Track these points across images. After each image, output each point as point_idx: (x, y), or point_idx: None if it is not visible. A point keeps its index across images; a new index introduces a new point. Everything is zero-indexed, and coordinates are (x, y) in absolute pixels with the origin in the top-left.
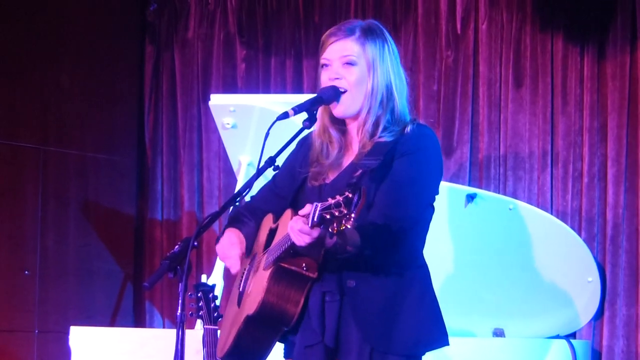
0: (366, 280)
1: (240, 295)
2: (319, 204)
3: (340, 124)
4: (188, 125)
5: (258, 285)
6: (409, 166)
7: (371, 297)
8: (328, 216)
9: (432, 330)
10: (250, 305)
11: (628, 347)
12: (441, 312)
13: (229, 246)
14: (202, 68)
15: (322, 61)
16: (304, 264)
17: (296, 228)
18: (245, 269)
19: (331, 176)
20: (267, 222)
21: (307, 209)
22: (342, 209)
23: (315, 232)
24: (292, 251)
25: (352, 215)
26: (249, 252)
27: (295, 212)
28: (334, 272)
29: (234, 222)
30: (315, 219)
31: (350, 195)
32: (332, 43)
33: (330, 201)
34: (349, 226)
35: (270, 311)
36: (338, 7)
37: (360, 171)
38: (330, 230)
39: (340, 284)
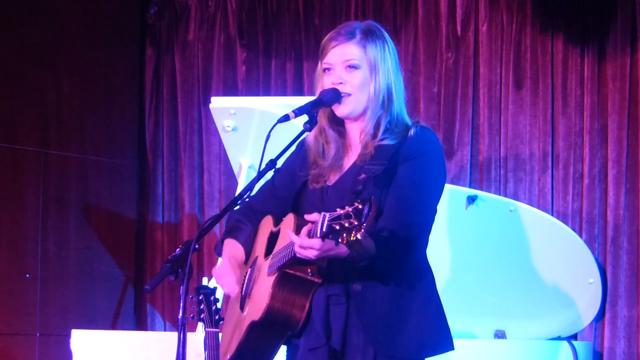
0: (372, 284)
1: (243, 299)
2: (327, 214)
3: (339, 125)
4: (189, 127)
5: (262, 291)
6: (416, 171)
7: (377, 301)
8: (337, 227)
9: (436, 335)
10: (255, 311)
11: (629, 349)
12: (445, 316)
13: (224, 275)
14: (203, 70)
15: (323, 65)
16: (309, 270)
17: (304, 244)
18: (246, 273)
19: (333, 178)
20: (267, 224)
21: (315, 217)
22: (352, 220)
23: (320, 243)
24: (296, 259)
25: (363, 226)
26: (247, 257)
27: (297, 217)
28: (340, 276)
29: (231, 232)
30: (324, 230)
31: (360, 207)
32: (333, 47)
33: (340, 212)
34: (359, 237)
35: (275, 317)
36: (338, 9)
37: (364, 176)
38: (340, 241)
39: (347, 288)
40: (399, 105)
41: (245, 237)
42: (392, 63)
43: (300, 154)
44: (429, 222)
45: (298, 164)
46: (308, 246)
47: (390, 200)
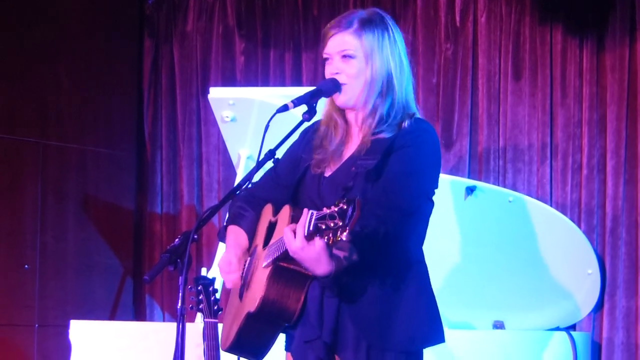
0: (363, 276)
1: (242, 288)
2: (315, 213)
3: (343, 112)
4: (187, 118)
5: (258, 282)
6: (403, 159)
7: (368, 293)
8: (323, 226)
9: (428, 326)
10: (251, 302)
11: (628, 339)
12: (438, 308)
13: (228, 272)
14: (201, 61)
15: (324, 56)
16: None
17: (292, 247)
18: (246, 261)
19: (332, 167)
20: (267, 212)
21: (304, 217)
22: (336, 220)
23: (309, 246)
24: (289, 254)
25: (347, 228)
26: (251, 243)
27: (292, 208)
28: None
29: (234, 218)
30: (311, 228)
31: (344, 207)
32: (331, 37)
33: (326, 211)
34: (343, 238)
35: (270, 308)
36: None
37: (353, 169)
38: (326, 239)
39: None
40: (402, 94)
41: (249, 223)
42: (393, 52)
43: (305, 139)
44: (415, 209)
45: (302, 149)
46: (292, 250)
47: (377, 186)
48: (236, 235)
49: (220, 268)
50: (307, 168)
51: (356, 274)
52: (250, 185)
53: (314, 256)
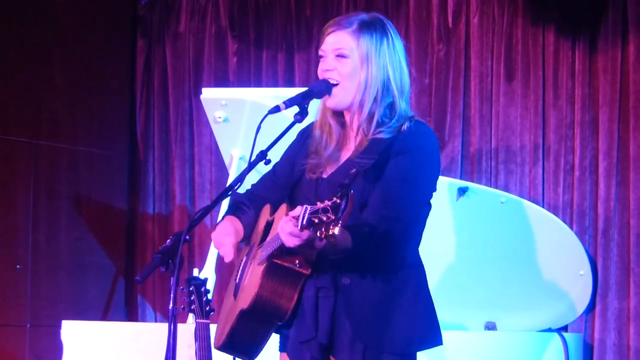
0: (361, 278)
1: (237, 287)
2: (309, 207)
3: (339, 116)
4: (180, 119)
5: (252, 280)
6: (405, 166)
7: (365, 296)
8: (316, 220)
9: (425, 329)
10: (245, 299)
11: (620, 340)
12: (435, 311)
13: (223, 235)
14: (194, 62)
15: (319, 53)
16: (297, 261)
17: (286, 230)
18: (242, 260)
19: (329, 170)
20: (265, 212)
21: (297, 210)
22: (329, 214)
23: (305, 235)
24: (284, 249)
25: (340, 222)
26: (247, 241)
27: (290, 207)
28: (329, 269)
29: (233, 210)
30: (304, 222)
31: (338, 201)
32: (328, 34)
33: (319, 205)
34: (336, 232)
35: (263, 306)
36: (330, 0)
37: (354, 170)
38: (318, 234)
39: (335, 281)
40: (401, 101)
41: (248, 219)
42: (392, 58)
43: (301, 142)
44: (416, 217)
45: (297, 151)
46: (290, 229)
47: (376, 193)
48: (232, 220)
49: (214, 236)
50: (303, 173)
51: (354, 275)
52: (249, 186)
53: (305, 244)
